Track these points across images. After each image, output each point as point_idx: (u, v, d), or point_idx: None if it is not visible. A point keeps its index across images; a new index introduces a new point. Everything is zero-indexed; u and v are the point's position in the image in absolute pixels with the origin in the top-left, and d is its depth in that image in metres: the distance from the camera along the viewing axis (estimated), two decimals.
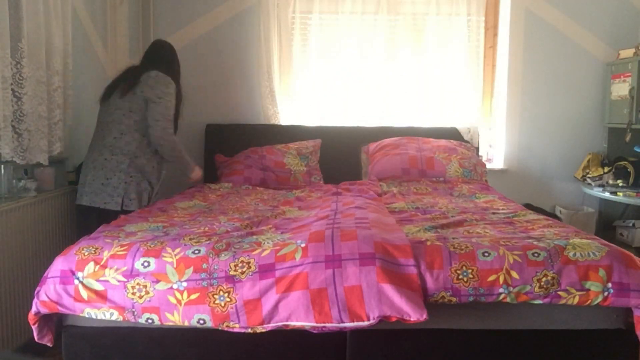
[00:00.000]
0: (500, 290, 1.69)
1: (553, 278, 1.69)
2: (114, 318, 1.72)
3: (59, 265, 1.78)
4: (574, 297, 1.70)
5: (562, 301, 1.71)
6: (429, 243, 1.79)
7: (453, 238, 1.89)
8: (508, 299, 1.70)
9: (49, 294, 1.74)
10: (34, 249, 2.45)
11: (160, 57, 2.96)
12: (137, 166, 2.70)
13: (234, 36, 3.90)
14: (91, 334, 1.82)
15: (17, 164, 2.40)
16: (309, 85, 3.98)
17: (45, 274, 1.79)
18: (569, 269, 1.70)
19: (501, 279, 1.69)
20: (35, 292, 1.77)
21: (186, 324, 1.71)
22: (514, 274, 1.69)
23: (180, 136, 3.92)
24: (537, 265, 1.71)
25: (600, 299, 1.70)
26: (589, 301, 1.70)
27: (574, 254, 1.74)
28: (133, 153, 2.70)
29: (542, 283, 1.69)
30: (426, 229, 2.06)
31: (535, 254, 1.73)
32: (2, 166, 2.36)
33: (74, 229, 2.81)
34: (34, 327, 1.78)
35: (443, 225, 2.13)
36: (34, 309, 1.76)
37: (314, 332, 1.70)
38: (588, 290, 1.69)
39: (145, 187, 2.75)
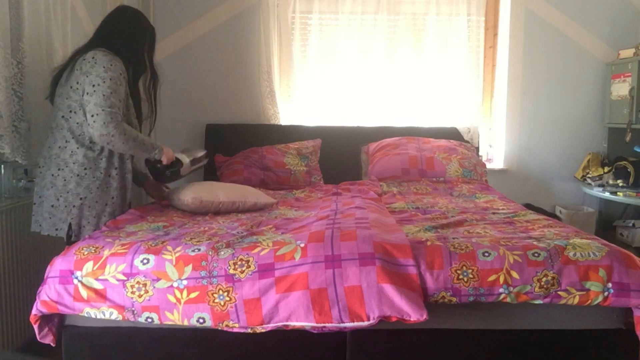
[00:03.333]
0: (501, 290, 1.69)
1: (553, 278, 1.70)
2: (113, 317, 1.73)
3: (58, 265, 1.78)
4: (574, 297, 1.70)
5: (562, 301, 1.71)
6: (429, 243, 1.79)
7: (453, 238, 1.89)
8: (508, 299, 1.70)
9: (49, 294, 1.74)
10: (34, 249, 2.45)
11: (110, 30, 2.34)
12: (85, 183, 2.18)
13: (234, 36, 3.90)
14: (91, 334, 1.83)
15: (18, 163, 2.40)
16: (309, 85, 3.98)
17: (46, 274, 1.79)
18: (569, 269, 1.70)
19: (501, 279, 1.69)
20: (37, 293, 1.77)
21: (186, 323, 1.71)
22: (514, 274, 1.69)
23: (180, 136, 3.95)
24: (537, 265, 1.71)
25: (600, 299, 1.70)
26: (589, 301, 1.70)
27: (574, 254, 1.74)
28: (81, 164, 2.18)
29: (542, 283, 1.69)
30: (426, 229, 2.06)
31: (536, 254, 1.73)
32: (2, 166, 2.36)
33: None
34: (35, 327, 1.78)
35: (443, 226, 2.13)
36: (34, 310, 1.76)
37: (314, 332, 1.70)
38: (588, 290, 1.70)
39: (105, 206, 2.24)
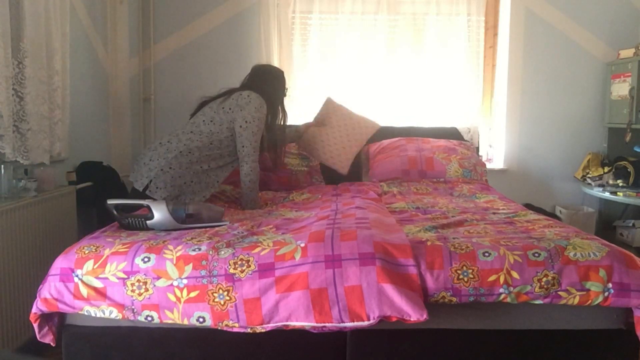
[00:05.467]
0: (501, 290, 1.69)
1: (553, 278, 1.69)
2: (113, 316, 1.72)
3: (58, 263, 1.78)
4: (574, 297, 1.70)
5: (563, 301, 1.71)
6: (429, 243, 1.79)
7: (453, 238, 1.89)
8: (508, 299, 1.70)
9: (50, 292, 1.74)
10: (34, 249, 2.45)
11: (260, 80, 2.89)
12: (185, 162, 2.55)
13: (234, 36, 3.90)
14: (91, 333, 1.82)
15: (18, 163, 2.40)
16: (309, 85, 3.98)
17: (47, 273, 1.79)
18: (569, 269, 1.70)
19: (501, 279, 1.69)
20: (38, 291, 1.77)
21: (185, 322, 1.70)
22: (515, 274, 1.69)
23: None
24: (537, 265, 1.71)
25: (600, 299, 1.70)
26: (590, 301, 1.70)
27: (575, 254, 1.74)
28: (188, 149, 2.56)
29: (542, 283, 1.69)
30: (426, 229, 2.06)
31: (536, 254, 1.73)
32: (2, 166, 2.36)
33: (74, 229, 2.81)
34: (35, 326, 1.78)
35: (443, 226, 2.13)
36: (34, 308, 1.76)
37: (314, 332, 1.70)
38: (588, 290, 1.69)
39: (182, 185, 2.54)
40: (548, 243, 1.80)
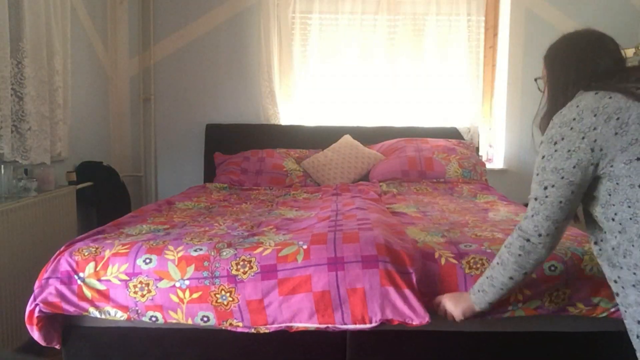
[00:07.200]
0: (510, 307, 1.65)
1: (564, 293, 1.67)
2: (118, 317, 1.72)
3: (60, 266, 1.77)
4: (580, 310, 1.68)
5: (568, 313, 1.70)
6: (443, 261, 1.71)
7: (464, 246, 1.81)
8: (516, 314, 1.66)
9: (51, 295, 1.73)
10: (34, 249, 2.45)
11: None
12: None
13: (234, 36, 3.89)
14: (91, 334, 1.82)
15: (18, 163, 2.39)
16: (309, 85, 3.98)
17: (44, 275, 1.77)
18: (582, 284, 1.67)
19: (512, 298, 1.64)
20: (34, 295, 1.75)
21: (190, 321, 1.70)
22: (527, 291, 1.65)
23: (180, 136, 3.94)
24: (551, 280, 1.66)
25: (606, 313, 1.67)
26: (595, 314, 1.68)
27: (591, 268, 1.69)
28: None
29: (552, 298, 1.66)
30: (432, 233, 2.00)
31: (552, 268, 1.67)
32: (2, 166, 2.36)
33: (74, 229, 2.80)
34: (40, 333, 1.75)
35: (448, 229, 2.08)
36: (37, 312, 1.74)
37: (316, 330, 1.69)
38: (597, 305, 1.67)
39: None
40: (565, 252, 1.73)
